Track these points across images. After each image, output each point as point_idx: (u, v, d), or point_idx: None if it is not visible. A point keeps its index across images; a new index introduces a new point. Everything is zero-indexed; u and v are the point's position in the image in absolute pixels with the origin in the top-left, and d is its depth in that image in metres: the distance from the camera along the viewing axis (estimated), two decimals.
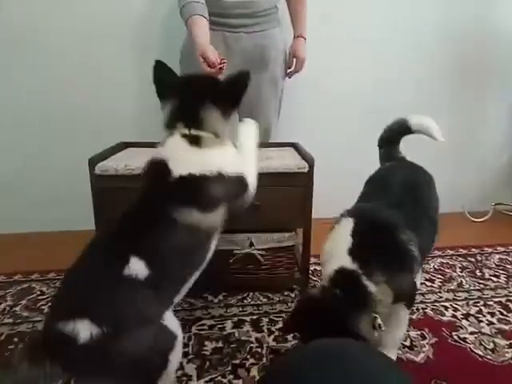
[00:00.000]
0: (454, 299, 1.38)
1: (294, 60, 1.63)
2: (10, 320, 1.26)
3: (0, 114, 1.85)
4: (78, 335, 0.68)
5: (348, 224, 0.95)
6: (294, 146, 1.55)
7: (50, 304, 0.81)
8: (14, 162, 1.90)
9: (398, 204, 1.01)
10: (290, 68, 1.66)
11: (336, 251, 0.92)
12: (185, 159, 0.90)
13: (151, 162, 0.93)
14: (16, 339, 1.16)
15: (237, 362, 1.08)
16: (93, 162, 1.21)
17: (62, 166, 1.89)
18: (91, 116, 1.88)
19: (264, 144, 1.58)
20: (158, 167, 0.90)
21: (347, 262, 0.88)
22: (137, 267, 0.76)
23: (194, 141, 0.92)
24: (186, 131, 0.93)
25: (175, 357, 0.80)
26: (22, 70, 1.81)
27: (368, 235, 0.92)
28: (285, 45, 1.64)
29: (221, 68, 1.31)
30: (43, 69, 1.81)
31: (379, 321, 0.86)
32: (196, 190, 0.88)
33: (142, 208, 0.87)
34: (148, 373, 0.76)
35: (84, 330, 0.68)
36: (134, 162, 1.22)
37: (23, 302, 1.37)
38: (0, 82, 1.82)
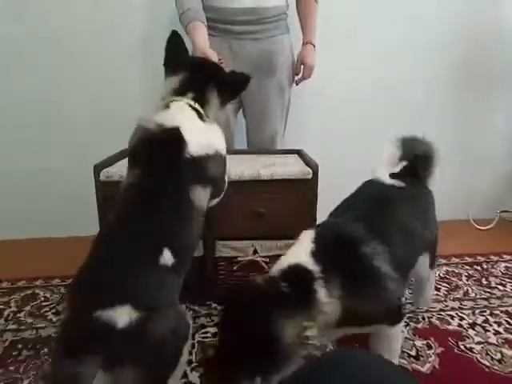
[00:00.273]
0: (459, 308, 1.36)
1: (302, 67, 1.58)
2: (14, 326, 1.25)
3: (0, 114, 1.83)
4: (119, 321, 0.68)
5: (310, 234, 0.93)
6: (299, 152, 1.53)
7: (72, 297, 0.77)
8: (13, 162, 1.88)
9: (364, 217, 0.96)
10: (297, 75, 1.61)
11: (297, 253, 0.89)
12: (200, 134, 0.93)
13: (164, 129, 0.90)
14: (20, 345, 1.16)
15: None
16: (98, 169, 1.21)
17: (63, 165, 1.87)
18: (91, 116, 1.86)
19: (268, 151, 1.57)
20: (174, 141, 0.90)
21: (309, 263, 0.83)
22: (168, 255, 0.79)
23: (199, 115, 0.97)
24: (192, 103, 0.97)
25: (186, 349, 0.80)
26: (21, 70, 1.79)
27: (330, 246, 0.88)
28: (292, 51, 1.61)
29: None
30: (43, 69, 1.79)
31: (309, 333, 0.76)
32: (206, 167, 0.92)
33: (165, 191, 0.86)
34: (165, 362, 0.75)
35: (124, 315, 0.69)
36: None
37: (27, 308, 1.36)
38: (0, 82, 1.79)
